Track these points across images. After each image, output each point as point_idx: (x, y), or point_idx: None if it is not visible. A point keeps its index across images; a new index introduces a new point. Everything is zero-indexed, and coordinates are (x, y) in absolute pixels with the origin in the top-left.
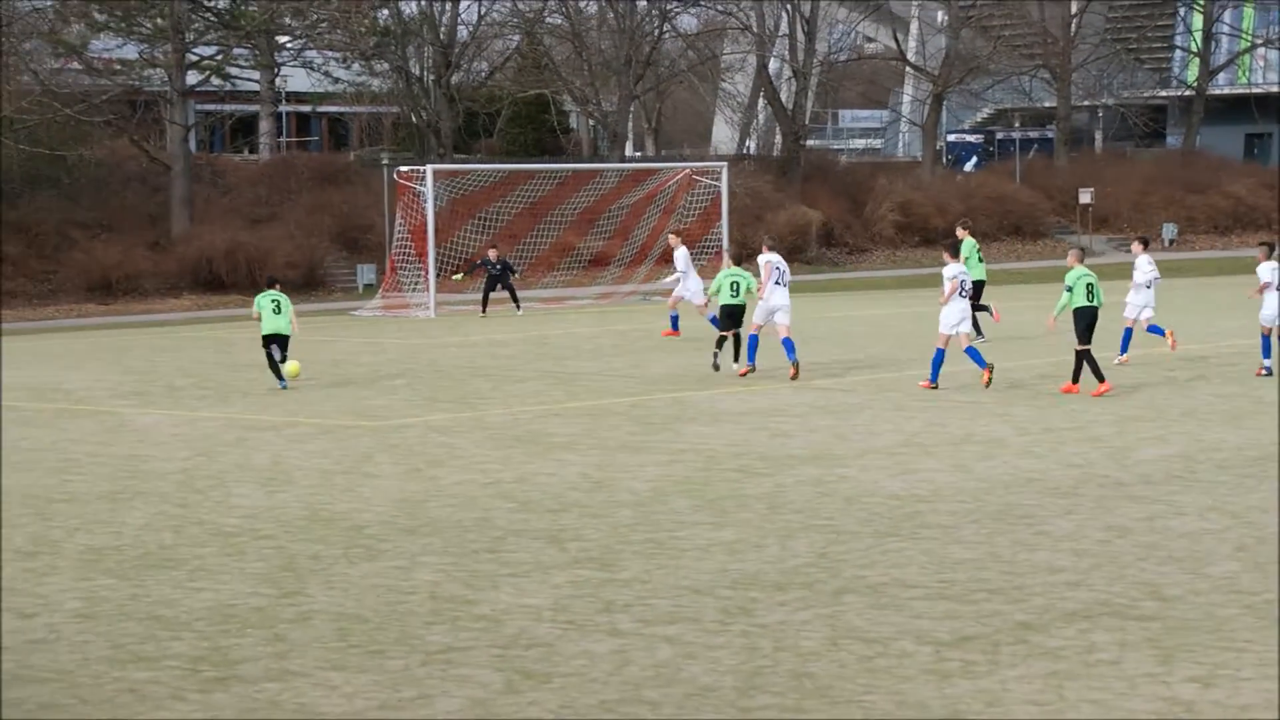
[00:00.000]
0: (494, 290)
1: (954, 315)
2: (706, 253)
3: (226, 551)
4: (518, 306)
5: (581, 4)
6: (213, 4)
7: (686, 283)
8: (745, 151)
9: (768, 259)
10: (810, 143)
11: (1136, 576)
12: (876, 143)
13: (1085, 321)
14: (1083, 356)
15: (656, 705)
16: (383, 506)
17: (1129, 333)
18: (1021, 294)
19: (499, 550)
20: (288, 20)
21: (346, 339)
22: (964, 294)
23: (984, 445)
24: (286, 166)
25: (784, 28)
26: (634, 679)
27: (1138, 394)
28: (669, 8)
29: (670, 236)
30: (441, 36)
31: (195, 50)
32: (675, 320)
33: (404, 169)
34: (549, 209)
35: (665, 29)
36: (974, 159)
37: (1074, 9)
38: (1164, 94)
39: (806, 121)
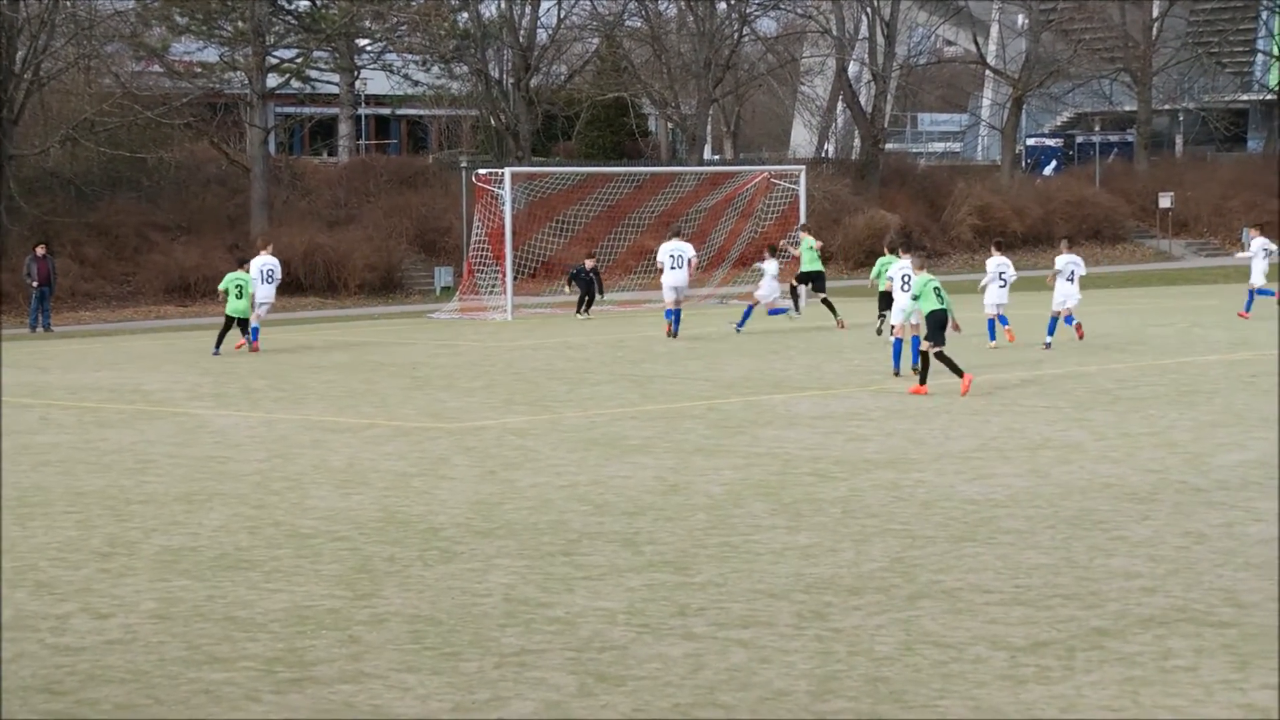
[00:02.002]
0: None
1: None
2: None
3: (302, 553)
4: (587, 312)
5: (661, 7)
6: (293, 7)
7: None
8: (824, 155)
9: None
10: (889, 146)
11: (1213, 583)
12: (955, 146)
13: (936, 322)
14: (936, 356)
15: (730, 709)
16: (458, 509)
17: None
18: (1102, 299)
19: (574, 553)
20: (368, 23)
21: (424, 341)
22: (906, 287)
23: (1060, 450)
24: (365, 169)
25: (863, 31)
26: (708, 682)
27: (1215, 399)
28: (748, 11)
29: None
30: (521, 39)
31: (275, 53)
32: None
33: (482, 172)
34: (627, 212)
35: (745, 32)
36: (1053, 163)
37: (1155, 12)
38: (1245, 98)
39: (885, 125)
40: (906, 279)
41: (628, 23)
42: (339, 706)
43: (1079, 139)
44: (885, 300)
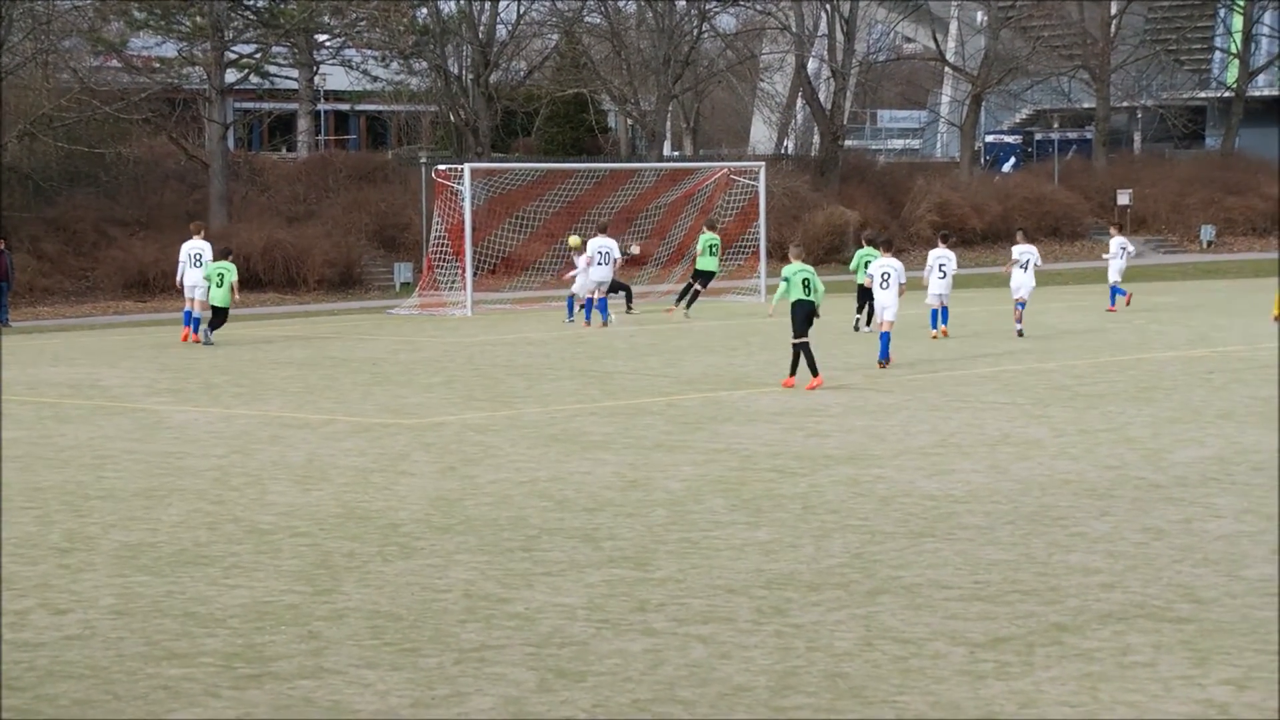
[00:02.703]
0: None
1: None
2: (743, 252)
3: (261, 549)
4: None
5: (620, 3)
6: (252, 2)
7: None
8: (783, 151)
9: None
10: (848, 143)
11: (1172, 579)
12: (915, 143)
13: (803, 314)
14: (800, 349)
15: (690, 705)
16: (418, 505)
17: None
18: (1060, 295)
19: (533, 549)
20: (326, 19)
21: (383, 337)
22: (885, 285)
23: (1020, 446)
24: (324, 165)
25: (823, 28)
26: (668, 678)
27: (1174, 396)
28: (708, 7)
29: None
30: (480, 35)
31: (234, 48)
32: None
33: (442, 167)
34: (586, 208)
35: (704, 29)
36: (1012, 160)
37: (1113, 10)
38: (1203, 95)
39: (845, 121)
40: (886, 276)
41: (587, 19)
42: (298, 702)
43: (1038, 136)
44: (863, 295)
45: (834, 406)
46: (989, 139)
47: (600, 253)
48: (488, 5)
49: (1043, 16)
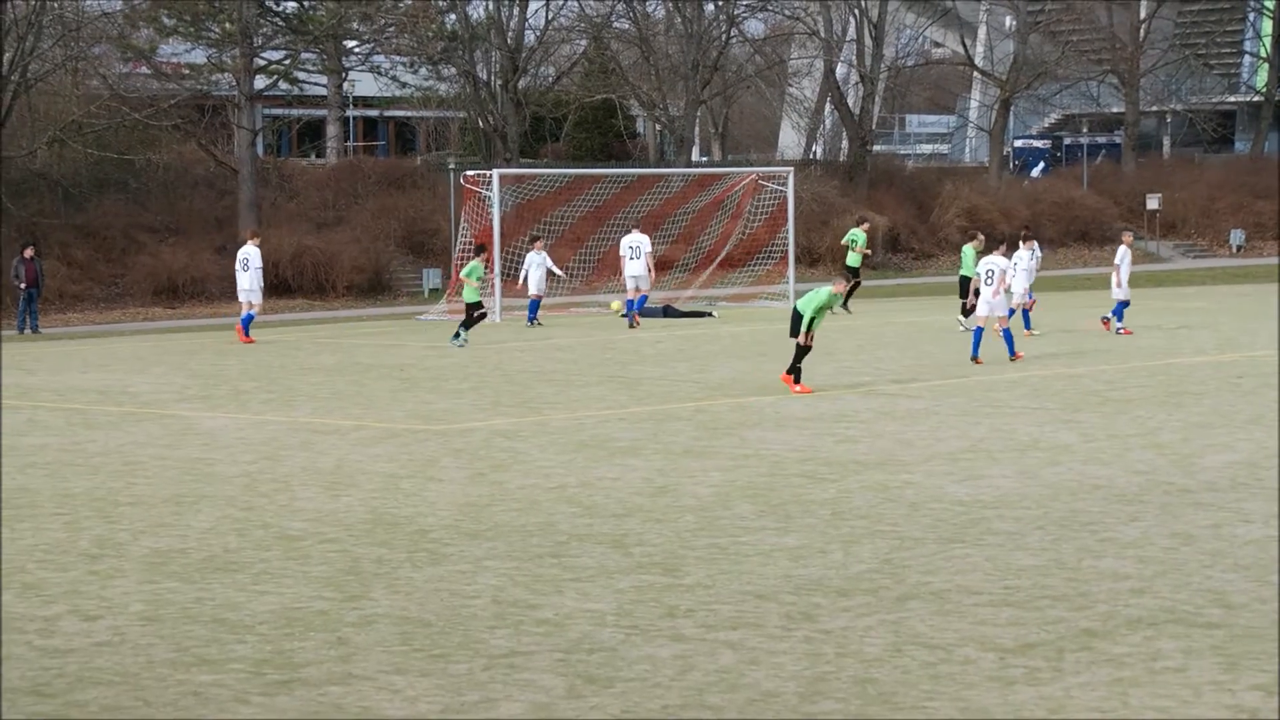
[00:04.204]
0: None
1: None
2: (772, 258)
3: (290, 555)
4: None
5: (649, 8)
6: (281, 9)
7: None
8: (812, 156)
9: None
10: (877, 148)
11: (1202, 584)
12: (943, 148)
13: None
14: (803, 351)
15: (719, 710)
16: (447, 511)
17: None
18: (1090, 301)
19: (562, 555)
20: (355, 25)
21: (412, 343)
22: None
23: (1050, 451)
24: (353, 171)
25: (851, 32)
26: (696, 684)
27: (1204, 400)
28: (736, 12)
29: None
30: (509, 41)
31: (263, 55)
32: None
33: (470, 173)
34: (614, 213)
35: (732, 34)
36: (1041, 164)
37: (1143, 14)
38: (1233, 99)
39: (873, 126)
40: (990, 273)
41: (615, 24)
42: (328, 708)
43: (1066, 140)
44: (964, 287)
45: (863, 412)
46: (1018, 143)
47: (631, 248)
48: (516, 11)
49: (1071, 21)
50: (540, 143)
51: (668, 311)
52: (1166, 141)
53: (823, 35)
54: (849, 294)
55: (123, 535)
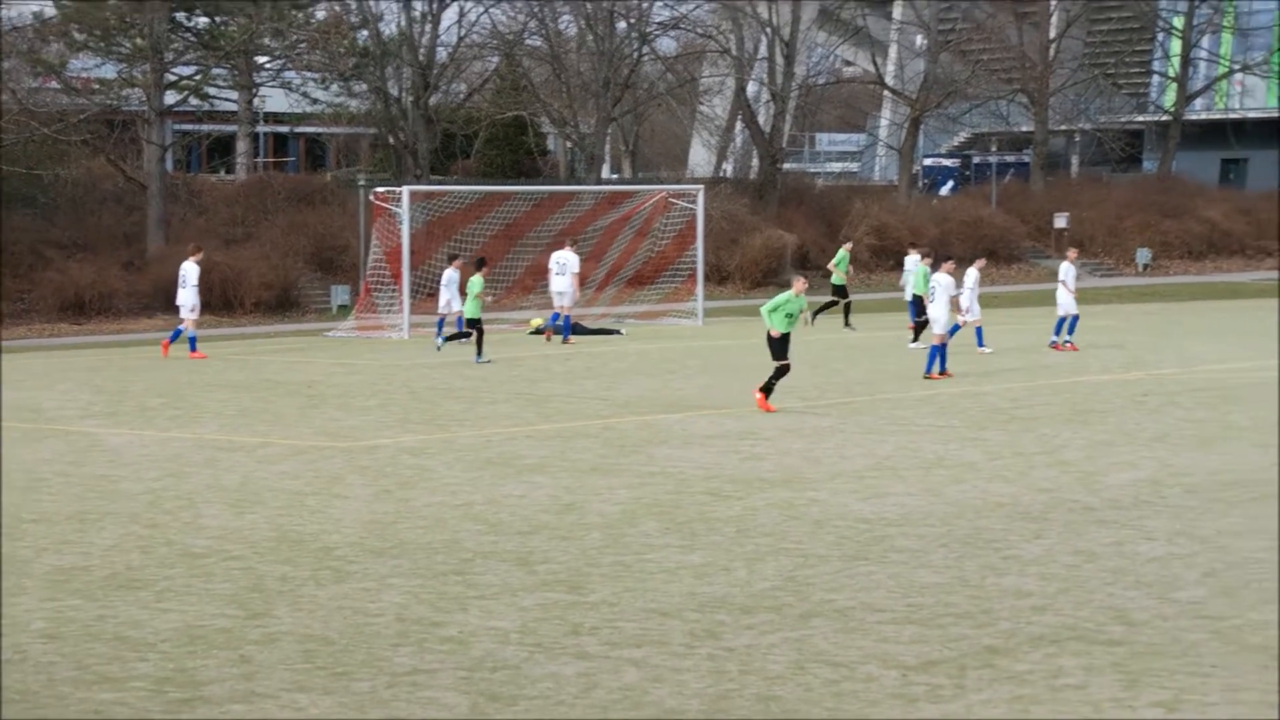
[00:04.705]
0: None
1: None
2: (680, 275)
3: (194, 573)
4: None
5: (561, 26)
6: (192, 24)
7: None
8: (722, 174)
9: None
10: (787, 166)
11: (1104, 601)
12: (853, 166)
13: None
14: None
15: None
16: (352, 528)
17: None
18: (997, 319)
19: (467, 572)
20: (267, 41)
21: (320, 360)
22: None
23: (954, 469)
24: (263, 187)
25: (763, 51)
26: (600, 702)
27: (1108, 419)
28: (648, 30)
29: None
30: (420, 58)
31: (174, 70)
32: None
33: (380, 190)
34: (525, 231)
35: (644, 51)
36: (950, 183)
37: (1052, 34)
38: (1141, 119)
39: (784, 144)
40: (933, 290)
41: (527, 41)
42: None
43: (976, 159)
44: (919, 308)
45: (769, 430)
46: (927, 162)
47: (559, 264)
48: (428, 28)
49: (981, 40)
50: (451, 160)
51: (576, 329)
52: (1075, 160)
53: (734, 53)
54: (846, 312)
55: (25, 552)
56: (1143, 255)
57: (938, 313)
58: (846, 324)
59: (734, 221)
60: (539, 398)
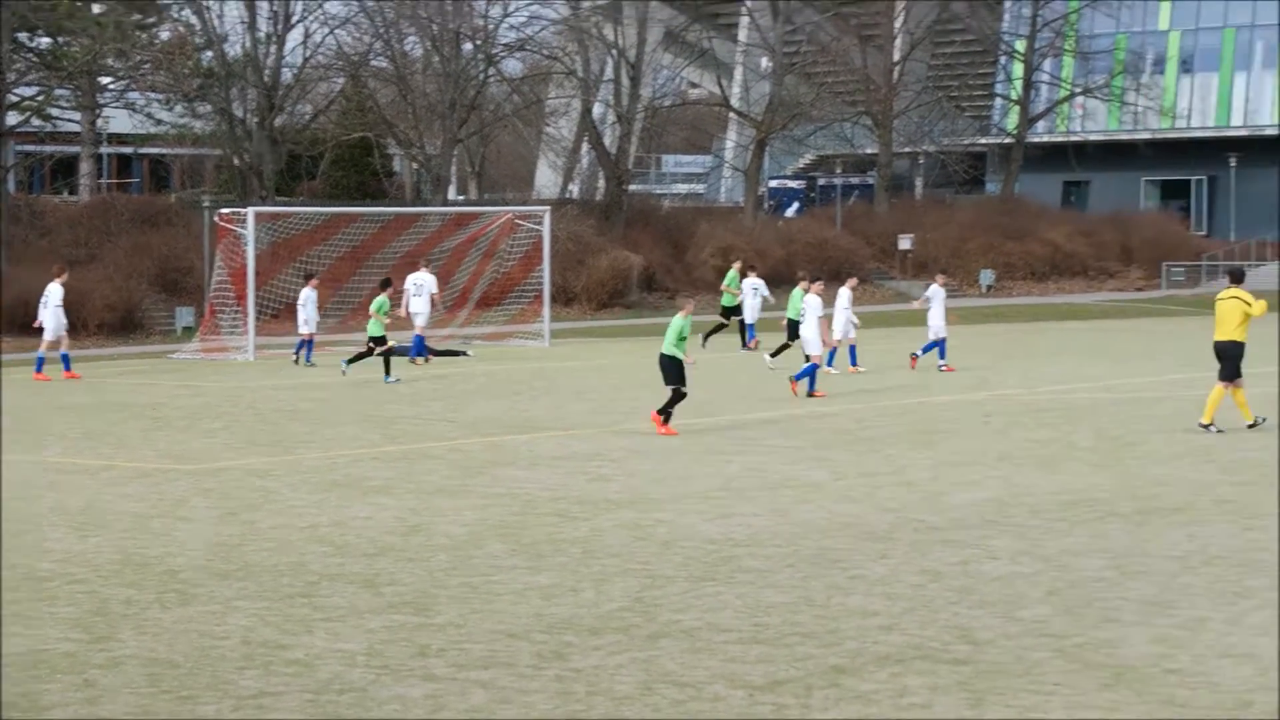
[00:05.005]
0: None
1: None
2: (526, 296)
3: (38, 596)
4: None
5: (406, 47)
6: (34, 45)
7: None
8: (568, 196)
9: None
10: (633, 187)
11: (949, 620)
12: (699, 188)
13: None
14: (678, 396)
15: None
16: (197, 551)
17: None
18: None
19: (313, 595)
20: (110, 61)
21: (164, 382)
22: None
23: (801, 490)
24: (106, 208)
25: (609, 73)
26: None
27: (953, 439)
28: (494, 52)
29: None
30: (265, 79)
31: (15, 91)
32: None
33: (225, 211)
34: (371, 252)
35: (490, 73)
36: (795, 204)
37: (896, 57)
38: (984, 141)
39: (630, 166)
40: (803, 312)
41: (373, 63)
42: None
43: (821, 181)
44: (793, 330)
45: (616, 450)
46: (773, 184)
47: (416, 285)
48: (273, 49)
49: (827, 63)
50: (297, 181)
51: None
52: (919, 182)
53: (580, 75)
54: (713, 331)
55: None
56: (986, 276)
57: (808, 333)
58: (705, 341)
59: (580, 243)
60: (385, 419)
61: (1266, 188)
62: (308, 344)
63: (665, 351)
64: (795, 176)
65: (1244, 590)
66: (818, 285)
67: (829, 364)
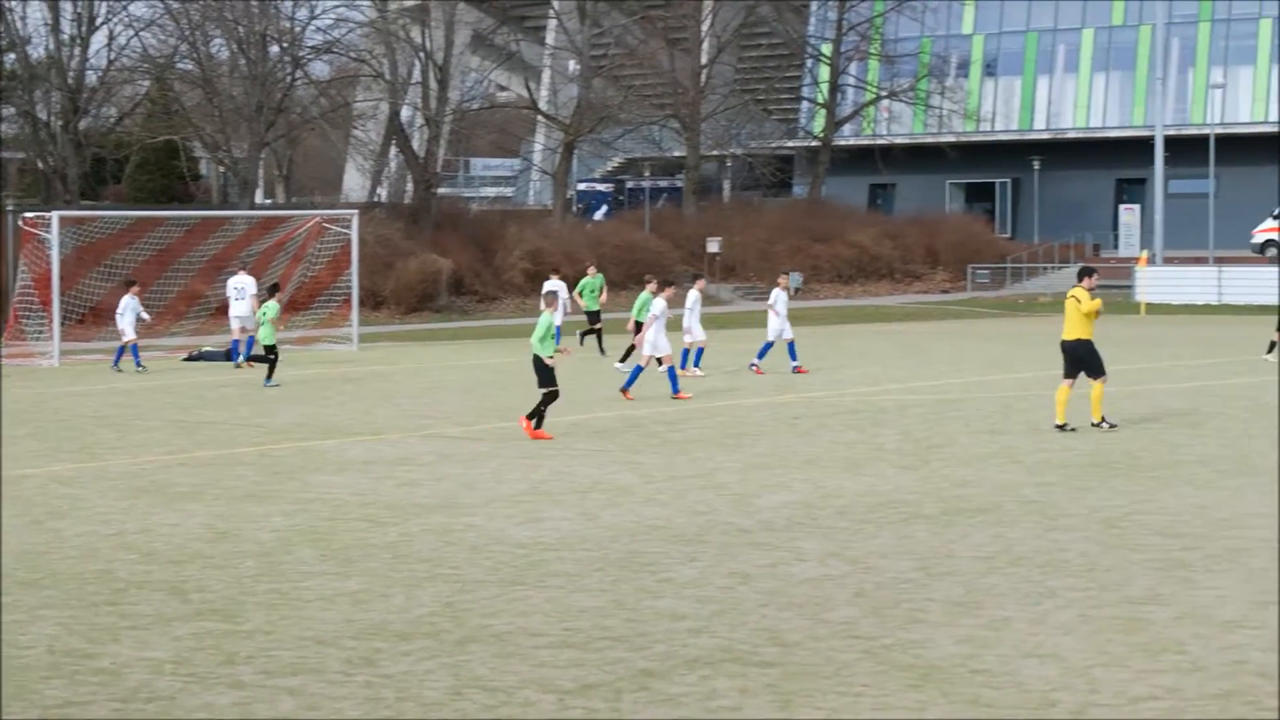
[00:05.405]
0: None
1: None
2: (335, 300)
3: None
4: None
5: (213, 50)
6: None
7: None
8: (376, 199)
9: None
10: (441, 191)
11: (758, 623)
12: (508, 191)
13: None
14: (550, 398)
15: None
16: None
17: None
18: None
19: (120, 603)
20: None
21: None
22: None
23: (610, 493)
24: None
25: (416, 75)
26: None
27: (761, 441)
28: (301, 55)
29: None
30: (69, 81)
31: None
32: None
33: (29, 215)
34: (177, 256)
35: (297, 76)
36: (604, 208)
37: (704, 60)
38: (791, 144)
39: (438, 169)
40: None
41: (179, 65)
42: None
43: (629, 184)
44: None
45: (426, 455)
46: (581, 187)
47: (237, 289)
48: (77, 51)
49: (634, 66)
50: (102, 185)
51: (230, 355)
52: (727, 185)
53: (388, 78)
54: (589, 333)
55: None
56: (794, 279)
57: (653, 336)
58: (582, 342)
59: (388, 246)
60: (193, 424)
61: (1069, 190)
62: (132, 349)
63: (534, 352)
64: (604, 179)
65: (1048, 590)
66: (669, 290)
67: (694, 365)
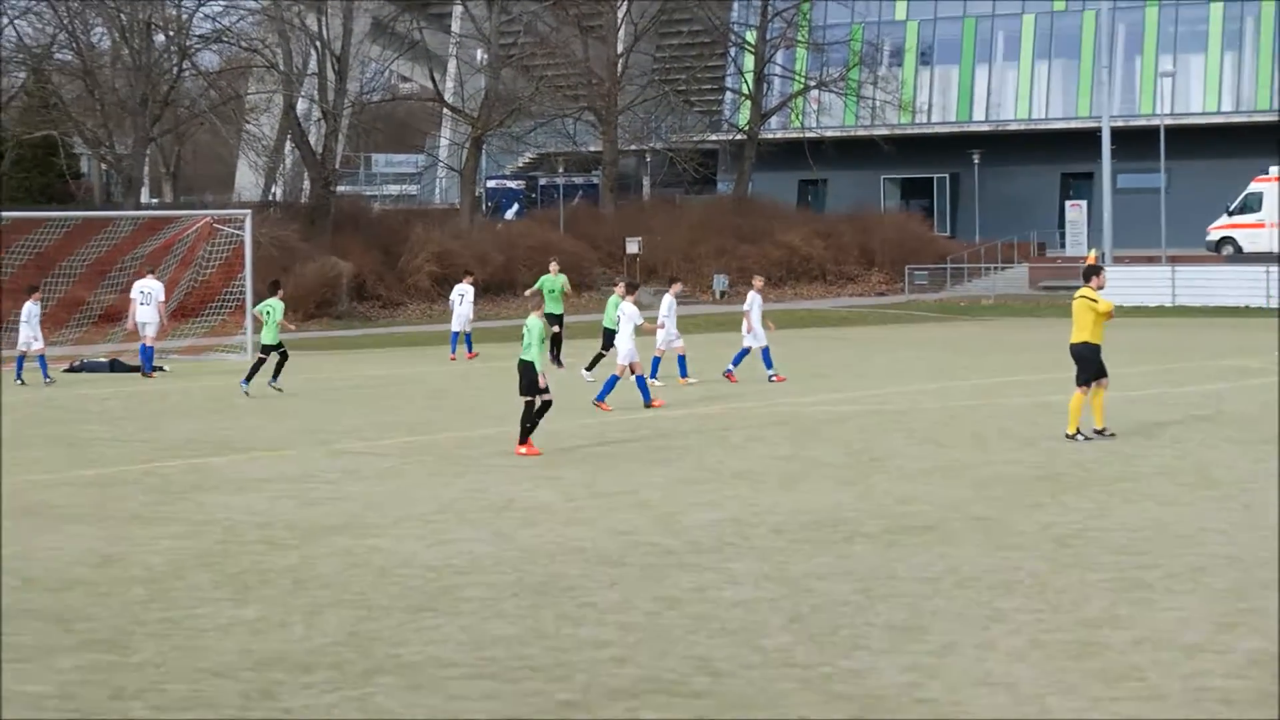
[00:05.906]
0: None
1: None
2: (228, 306)
3: None
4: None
5: (94, 39)
6: None
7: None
8: (271, 198)
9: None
10: (341, 189)
11: (687, 651)
12: (412, 189)
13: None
14: (541, 411)
15: None
16: None
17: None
18: (565, 350)
19: None
20: None
21: None
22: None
23: (527, 512)
24: None
25: (313, 66)
26: None
27: (688, 456)
28: (188, 44)
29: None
30: None
31: None
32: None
33: None
34: (56, 261)
35: (185, 67)
36: (515, 206)
37: (620, 48)
38: (715, 138)
39: (337, 166)
40: (618, 320)
41: (57, 55)
42: None
43: (542, 181)
44: (609, 339)
45: (329, 472)
46: (491, 184)
47: (143, 293)
48: None
49: (546, 55)
50: None
51: (115, 366)
52: (646, 182)
53: (282, 69)
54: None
55: None
56: (720, 282)
57: (622, 342)
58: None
59: (285, 249)
60: (76, 441)
61: (1011, 186)
62: (40, 359)
63: (523, 357)
64: (515, 176)
65: (997, 613)
66: (635, 293)
67: (653, 375)
